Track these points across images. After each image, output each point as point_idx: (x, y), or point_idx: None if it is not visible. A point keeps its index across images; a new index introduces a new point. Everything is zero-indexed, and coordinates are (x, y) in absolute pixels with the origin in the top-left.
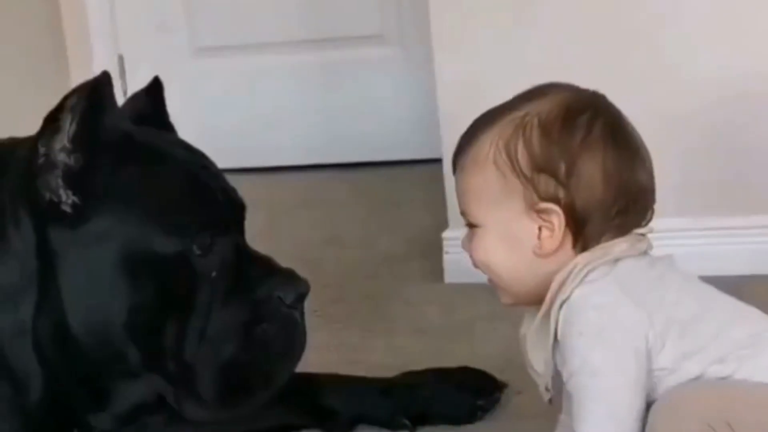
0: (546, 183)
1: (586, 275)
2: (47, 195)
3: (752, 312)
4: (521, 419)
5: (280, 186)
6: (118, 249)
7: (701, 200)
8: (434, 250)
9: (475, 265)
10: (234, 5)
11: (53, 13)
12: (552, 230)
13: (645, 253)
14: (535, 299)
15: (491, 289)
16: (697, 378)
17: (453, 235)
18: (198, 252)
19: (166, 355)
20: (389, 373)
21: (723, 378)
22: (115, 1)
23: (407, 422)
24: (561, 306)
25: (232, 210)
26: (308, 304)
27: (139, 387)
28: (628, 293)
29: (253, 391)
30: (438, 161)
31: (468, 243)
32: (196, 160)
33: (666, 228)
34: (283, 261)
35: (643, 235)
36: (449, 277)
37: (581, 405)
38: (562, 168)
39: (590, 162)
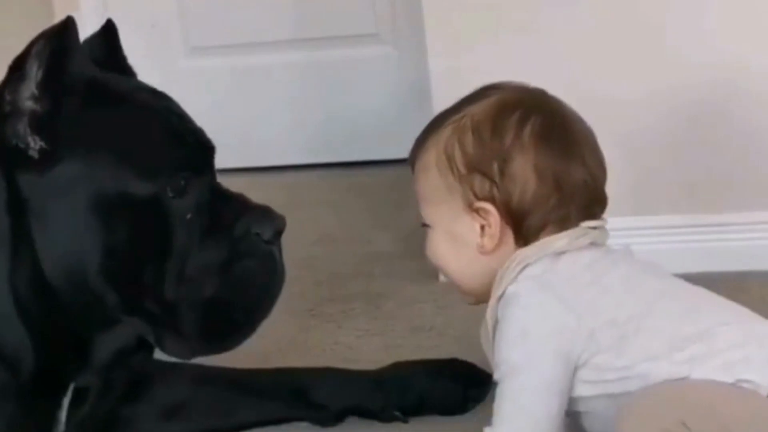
0: (480, 182)
1: (522, 270)
2: (14, 141)
3: (709, 301)
4: None
5: (274, 185)
6: (90, 194)
7: (686, 197)
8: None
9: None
10: (227, 4)
11: (46, 13)
12: (491, 227)
13: (593, 245)
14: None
15: None
16: (652, 379)
17: None
18: (171, 194)
19: (145, 298)
20: None
21: (681, 378)
22: (108, 2)
23: (399, 414)
24: (498, 301)
25: (203, 151)
26: (303, 304)
27: (119, 333)
28: (560, 293)
29: (236, 328)
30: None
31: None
32: (163, 103)
33: (642, 226)
34: None
35: (594, 228)
36: (443, 278)
37: (498, 401)
38: (495, 167)
39: (521, 160)
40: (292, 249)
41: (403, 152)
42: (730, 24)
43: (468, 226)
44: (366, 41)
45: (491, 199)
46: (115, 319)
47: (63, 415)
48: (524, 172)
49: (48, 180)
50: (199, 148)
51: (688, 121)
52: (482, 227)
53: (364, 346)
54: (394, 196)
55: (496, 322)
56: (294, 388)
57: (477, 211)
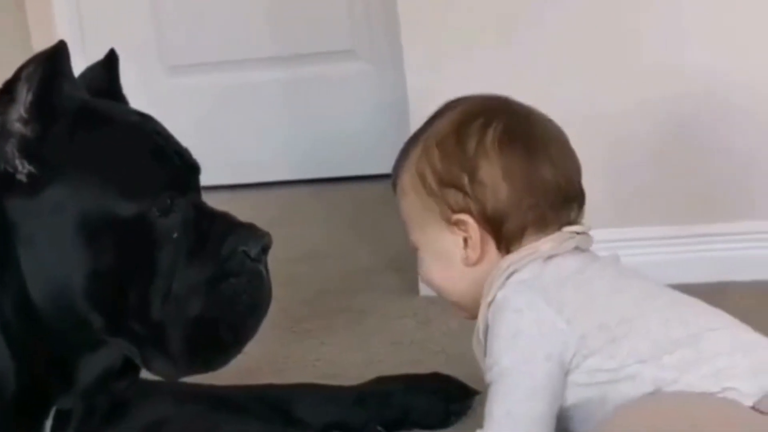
0: (454, 196)
1: (510, 276)
2: (2, 165)
3: (695, 307)
4: None
5: (253, 203)
6: (76, 216)
7: (668, 208)
8: (409, 264)
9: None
10: (205, 22)
11: (23, 35)
12: (471, 239)
13: (578, 250)
14: None
15: None
16: (640, 381)
17: None
18: (157, 214)
19: (131, 319)
20: None
21: (667, 383)
22: (84, 21)
23: (380, 429)
24: (488, 308)
25: (188, 171)
26: (286, 321)
27: (104, 355)
28: (551, 297)
29: (223, 347)
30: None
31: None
32: (150, 125)
33: (624, 237)
34: None
35: (577, 233)
36: (424, 290)
37: (489, 404)
38: (465, 178)
39: (488, 167)
40: (276, 266)
41: (384, 168)
42: (711, 35)
43: (451, 242)
44: (343, 57)
45: (467, 210)
46: (100, 341)
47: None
48: (493, 178)
49: (35, 204)
50: (185, 168)
51: (669, 134)
52: (465, 240)
53: (345, 361)
54: (377, 211)
55: (486, 328)
56: (275, 405)
57: (456, 224)
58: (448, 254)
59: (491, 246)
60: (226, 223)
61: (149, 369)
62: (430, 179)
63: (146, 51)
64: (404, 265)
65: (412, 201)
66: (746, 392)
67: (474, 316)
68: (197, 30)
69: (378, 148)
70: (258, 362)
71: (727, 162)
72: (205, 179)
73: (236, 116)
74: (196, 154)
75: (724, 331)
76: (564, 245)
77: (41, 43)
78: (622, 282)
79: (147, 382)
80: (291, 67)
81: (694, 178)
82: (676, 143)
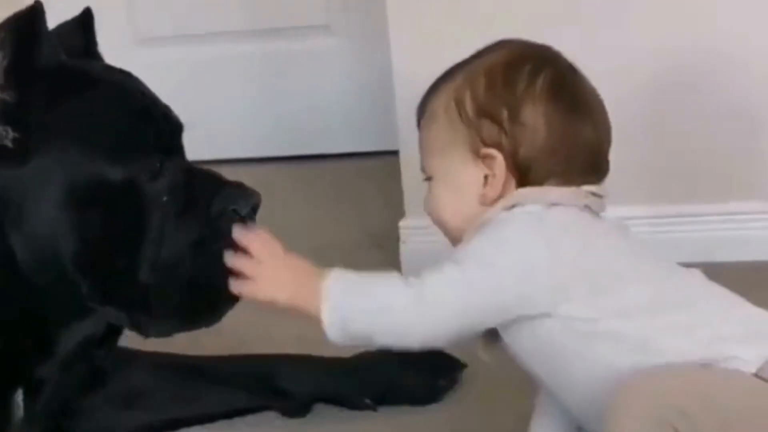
0: (489, 129)
1: (513, 207)
2: None
3: (693, 277)
4: (483, 401)
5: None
6: (64, 183)
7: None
8: (390, 241)
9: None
10: None
11: None
12: (495, 177)
13: (588, 209)
14: None
15: None
16: (621, 339)
17: (410, 224)
18: (146, 177)
19: (120, 284)
20: None
21: (654, 347)
22: None
23: (368, 401)
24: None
25: (174, 131)
26: None
27: (88, 324)
28: (547, 235)
29: (215, 306)
30: (389, 153)
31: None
32: (133, 83)
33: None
34: None
35: (594, 194)
36: (406, 268)
37: (432, 268)
38: (505, 114)
39: (532, 109)
40: None
41: (358, 145)
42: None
43: (471, 175)
44: (318, 33)
45: (498, 146)
46: (87, 309)
47: (20, 404)
48: (534, 121)
49: (22, 174)
50: (171, 128)
51: (658, 108)
52: (486, 177)
53: (324, 338)
54: (353, 189)
55: None
56: (259, 376)
57: (483, 158)
58: (464, 188)
59: (511, 188)
60: (214, 183)
61: (140, 332)
62: (469, 106)
63: (116, 22)
64: (385, 242)
65: (442, 126)
66: (745, 359)
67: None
68: (169, 1)
69: (352, 125)
70: (240, 339)
71: (713, 141)
72: None
73: (208, 91)
74: None
75: (719, 300)
76: (576, 199)
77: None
78: (622, 242)
79: (125, 350)
80: (265, 41)
81: (679, 157)
82: (661, 119)
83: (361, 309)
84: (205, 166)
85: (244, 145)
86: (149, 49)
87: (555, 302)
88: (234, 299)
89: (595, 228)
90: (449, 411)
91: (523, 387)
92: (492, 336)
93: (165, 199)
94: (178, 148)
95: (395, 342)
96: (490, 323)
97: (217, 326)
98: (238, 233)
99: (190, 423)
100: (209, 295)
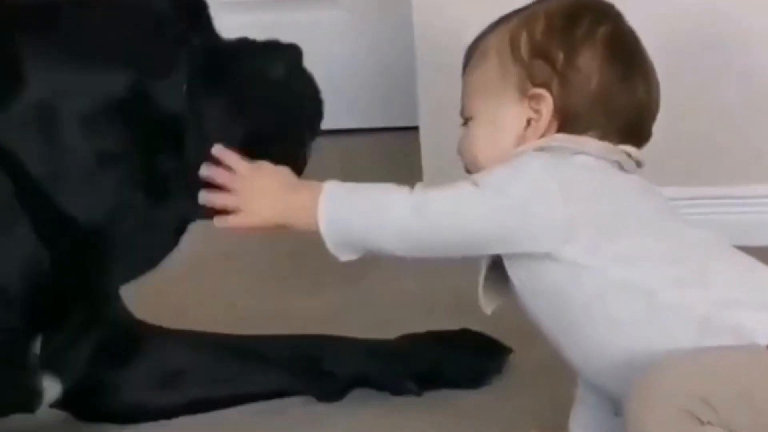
0: (541, 69)
1: (543, 148)
2: None
3: (714, 239)
4: (527, 387)
5: None
6: (73, 109)
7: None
8: None
9: (467, 169)
10: None
11: None
12: (539, 120)
13: (617, 164)
14: None
15: (470, 260)
16: (631, 296)
17: None
18: (155, 76)
19: (177, 175)
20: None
21: (664, 300)
22: None
23: (412, 386)
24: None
25: (194, 6)
26: (276, 275)
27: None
28: (563, 178)
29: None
30: (400, 129)
31: (460, 142)
32: None
33: None
34: (241, 234)
35: (628, 154)
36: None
37: (450, 188)
38: (560, 57)
39: (589, 57)
40: None
41: (362, 121)
42: None
43: (515, 116)
44: (322, 4)
45: (548, 88)
46: (151, 220)
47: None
48: (589, 68)
49: (23, 113)
50: (189, 5)
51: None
52: (528, 121)
53: (350, 318)
54: (357, 165)
55: None
56: (303, 357)
57: (532, 98)
58: (505, 129)
59: (551, 134)
60: (243, 48)
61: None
62: (524, 45)
63: None
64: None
65: (491, 65)
66: (756, 328)
67: None
68: None
69: (355, 100)
70: (255, 314)
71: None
72: None
73: None
74: None
75: (739, 264)
76: (607, 154)
77: None
78: (642, 196)
79: (160, 328)
80: (266, 11)
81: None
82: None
83: (360, 211)
84: None
85: None
86: None
87: (559, 241)
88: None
89: (615, 178)
90: (493, 396)
91: (568, 376)
92: (495, 286)
93: (185, 88)
94: (201, 23)
95: (394, 248)
96: (492, 249)
97: (231, 301)
98: (216, 150)
99: (226, 404)
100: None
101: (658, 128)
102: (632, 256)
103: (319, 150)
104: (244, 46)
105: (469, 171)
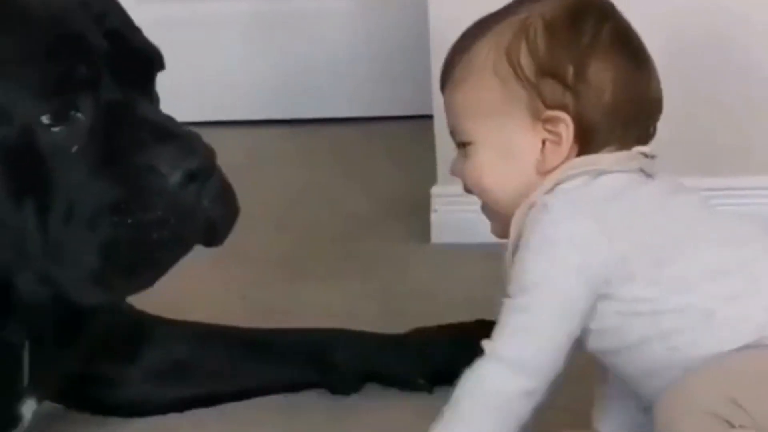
0: (552, 88)
1: (560, 183)
2: None
3: (751, 229)
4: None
5: (230, 141)
6: None
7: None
8: (410, 212)
9: (467, 189)
10: None
11: None
12: (558, 142)
13: (642, 173)
14: None
15: (482, 250)
16: (687, 315)
17: (442, 191)
18: (49, 122)
19: (33, 244)
20: None
21: (720, 316)
22: None
23: (423, 382)
24: (526, 213)
25: (93, 60)
26: (289, 266)
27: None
28: (594, 211)
29: (138, 273)
30: (410, 118)
31: (459, 164)
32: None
33: None
34: (249, 222)
35: (644, 154)
36: (436, 237)
37: (504, 315)
38: (570, 71)
39: (600, 64)
40: (263, 209)
41: (360, 110)
42: None
43: (529, 141)
44: None
45: (564, 107)
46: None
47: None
48: (601, 78)
49: None
50: (90, 55)
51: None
52: (544, 142)
53: (361, 310)
54: (358, 155)
55: (518, 237)
56: (311, 350)
57: (546, 121)
58: (518, 154)
59: (573, 155)
60: (153, 133)
61: (68, 295)
62: (526, 64)
63: None
64: (406, 212)
65: (489, 85)
66: None
67: (505, 232)
68: None
69: (355, 88)
70: (266, 306)
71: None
72: (181, 117)
73: (213, 51)
74: (168, 90)
75: None
76: (629, 164)
77: None
78: (673, 200)
79: (162, 319)
80: (271, 1)
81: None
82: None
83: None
84: (209, 128)
85: (249, 107)
86: (148, 5)
87: (620, 279)
88: (161, 268)
89: (644, 193)
90: None
91: (586, 370)
92: None
93: (75, 149)
94: (128, 80)
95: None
96: (584, 320)
97: (240, 294)
98: None
99: (236, 398)
100: (126, 261)
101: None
102: (687, 279)
103: (326, 138)
104: (160, 130)
105: (468, 191)
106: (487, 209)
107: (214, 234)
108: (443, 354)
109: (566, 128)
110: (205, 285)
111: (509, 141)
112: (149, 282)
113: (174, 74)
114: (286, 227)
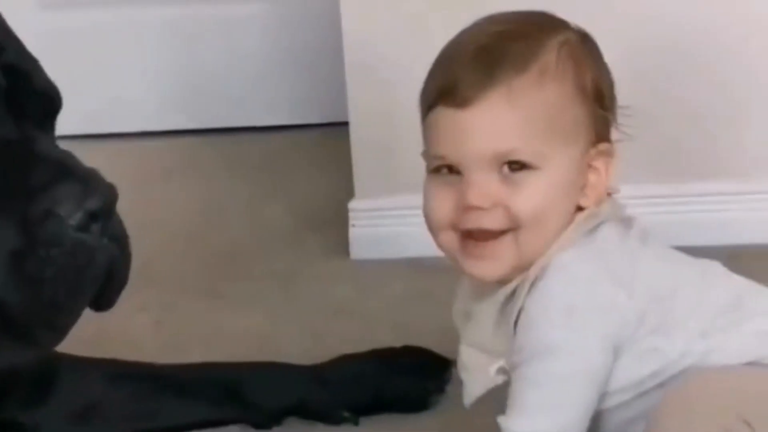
0: (601, 116)
1: (590, 231)
2: None
3: (724, 272)
4: (472, 413)
5: (141, 152)
6: None
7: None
8: (330, 224)
9: (499, 226)
10: None
11: None
12: (598, 177)
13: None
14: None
15: (404, 265)
16: (683, 356)
17: (360, 206)
18: None
19: None
20: (312, 360)
21: (709, 352)
22: None
23: (348, 414)
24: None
25: (15, 93)
26: (201, 285)
27: None
28: (611, 265)
29: (35, 333)
30: (314, 126)
31: (493, 187)
32: None
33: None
34: (163, 239)
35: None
36: (355, 253)
37: (519, 388)
38: (607, 94)
39: (610, 83)
40: (174, 223)
41: (281, 118)
42: None
43: (581, 173)
44: None
45: (607, 139)
46: None
47: None
48: (612, 95)
49: None
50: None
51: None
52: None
53: (281, 334)
54: (279, 165)
55: (510, 296)
56: (225, 387)
57: (598, 154)
58: (573, 187)
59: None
60: (49, 173)
61: None
62: (588, 81)
63: None
64: (323, 226)
65: (561, 98)
66: None
67: (507, 274)
68: None
69: (274, 96)
70: (179, 333)
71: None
72: (84, 126)
73: (121, 58)
74: (73, 97)
75: (753, 291)
76: (618, 212)
77: None
78: (655, 249)
79: (75, 358)
80: (180, 4)
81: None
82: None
83: None
84: (118, 140)
85: (161, 118)
86: (55, 13)
87: (641, 333)
88: (61, 326)
89: (630, 239)
90: (441, 419)
91: None
92: None
93: None
94: (2, 120)
95: None
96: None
97: (154, 319)
98: None
99: None
100: (24, 315)
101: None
102: (694, 328)
103: (243, 147)
104: (58, 167)
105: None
106: (501, 245)
107: (112, 276)
108: (369, 384)
109: (612, 165)
110: (117, 310)
111: (570, 170)
112: (63, 331)
113: (84, 85)
114: (201, 244)
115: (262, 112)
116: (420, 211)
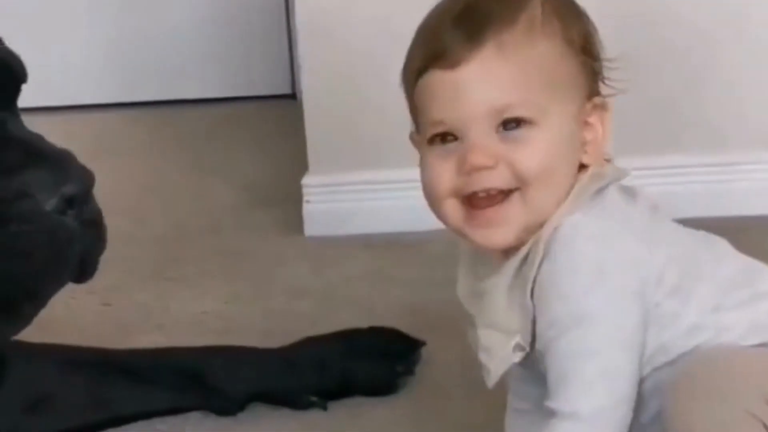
0: (593, 69)
1: (599, 192)
2: None
3: (727, 247)
4: (450, 386)
5: (78, 126)
6: None
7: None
8: (281, 201)
9: (502, 183)
10: None
11: None
12: (596, 133)
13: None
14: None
15: (360, 242)
16: (693, 329)
17: (314, 181)
18: None
19: None
20: (271, 343)
21: (728, 327)
22: None
23: (315, 399)
24: (552, 233)
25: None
26: (150, 266)
27: None
28: (624, 221)
29: (17, 309)
30: (255, 98)
31: (491, 145)
32: None
33: None
34: (105, 218)
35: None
36: (310, 230)
37: (564, 365)
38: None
39: (597, 40)
40: (114, 200)
41: (210, 91)
42: None
43: (578, 129)
44: None
45: (598, 93)
46: None
47: None
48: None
49: None
50: None
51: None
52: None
53: (237, 314)
54: (216, 140)
55: (521, 263)
56: (186, 373)
57: (594, 108)
58: (573, 144)
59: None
60: (23, 155)
61: None
62: (575, 33)
63: None
64: (275, 202)
65: (553, 51)
66: None
67: (517, 240)
68: None
69: (204, 69)
70: (132, 316)
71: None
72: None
73: (58, 29)
74: None
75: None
76: (621, 173)
77: None
78: (664, 218)
79: (27, 345)
80: None
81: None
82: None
83: None
84: (55, 113)
85: (98, 91)
86: None
87: (660, 295)
88: (36, 302)
89: (645, 205)
90: (411, 402)
91: None
92: None
93: None
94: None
95: None
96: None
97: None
98: None
99: (112, 424)
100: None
101: None
102: (707, 297)
103: (181, 122)
104: (30, 150)
105: (503, 191)
106: (509, 207)
107: (84, 265)
108: (336, 367)
109: (608, 120)
110: (66, 293)
111: (570, 125)
112: (28, 318)
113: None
114: (145, 223)
115: (198, 84)
116: (377, 186)
